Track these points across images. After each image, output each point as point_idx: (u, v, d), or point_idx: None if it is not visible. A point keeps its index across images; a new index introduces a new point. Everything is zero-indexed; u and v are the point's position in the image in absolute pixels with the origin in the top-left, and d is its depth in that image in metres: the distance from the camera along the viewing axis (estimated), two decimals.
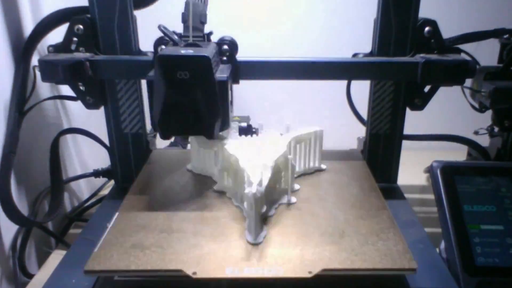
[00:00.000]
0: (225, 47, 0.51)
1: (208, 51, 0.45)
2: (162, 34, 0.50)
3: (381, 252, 0.42)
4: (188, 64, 0.43)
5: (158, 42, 0.52)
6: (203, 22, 0.52)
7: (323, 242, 0.43)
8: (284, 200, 0.51)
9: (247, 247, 0.42)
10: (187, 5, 0.50)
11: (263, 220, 0.46)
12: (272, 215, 0.48)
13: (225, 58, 0.52)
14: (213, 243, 0.43)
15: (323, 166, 0.59)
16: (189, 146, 0.73)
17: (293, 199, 0.51)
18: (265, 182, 0.45)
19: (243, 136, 0.57)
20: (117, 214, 0.48)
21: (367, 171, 0.58)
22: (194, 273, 0.39)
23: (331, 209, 0.49)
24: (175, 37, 0.49)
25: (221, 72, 0.47)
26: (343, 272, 0.40)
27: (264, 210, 0.46)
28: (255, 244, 0.43)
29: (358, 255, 0.41)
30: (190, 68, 0.43)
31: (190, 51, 0.43)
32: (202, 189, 0.54)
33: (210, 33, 0.52)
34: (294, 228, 0.46)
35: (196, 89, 0.43)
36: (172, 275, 0.40)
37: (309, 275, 0.38)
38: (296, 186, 0.54)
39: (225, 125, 0.48)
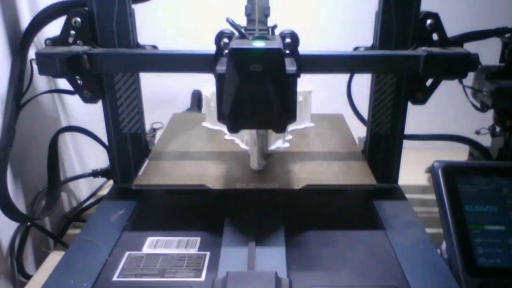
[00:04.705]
0: (288, 40, 0.50)
1: (279, 44, 0.45)
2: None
3: (351, 175, 0.56)
4: (261, 57, 0.43)
5: (220, 36, 0.50)
6: (266, 15, 0.51)
7: (307, 169, 0.57)
8: (280, 144, 0.64)
9: (252, 171, 0.57)
10: None
11: (263, 156, 0.58)
12: (270, 154, 0.61)
13: (287, 51, 0.50)
14: (226, 169, 0.57)
15: (311, 124, 0.72)
16: (203, 110, 0.84)
17: (286, 144, 0.65)
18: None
19: None
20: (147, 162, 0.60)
21: (347, 127, 0.72)
22: (214, 186, 0.52)
23: (315, 151, 0.63)
24: (243, 30, 0.47)
25: (289, 65, 0.46)
26: (321, 187, 0.54)
27: (264, 146, 0.58)
28: (257, 170, 0.56)
29: (333, 176, 0.55)
30: (263, 61, 0.42)
31: (262, 44, 0.43)
32: (216, 138, 0.68)
33: (275, 27, 0.51)
34: (286, 161, 0.59)
35: (268, 82, 0.43)
36: (197, 188, 0.53)
37: (297, 188, 0.52)
38: (289, 136, 0.67)
39: (292, 118, 0.47)
